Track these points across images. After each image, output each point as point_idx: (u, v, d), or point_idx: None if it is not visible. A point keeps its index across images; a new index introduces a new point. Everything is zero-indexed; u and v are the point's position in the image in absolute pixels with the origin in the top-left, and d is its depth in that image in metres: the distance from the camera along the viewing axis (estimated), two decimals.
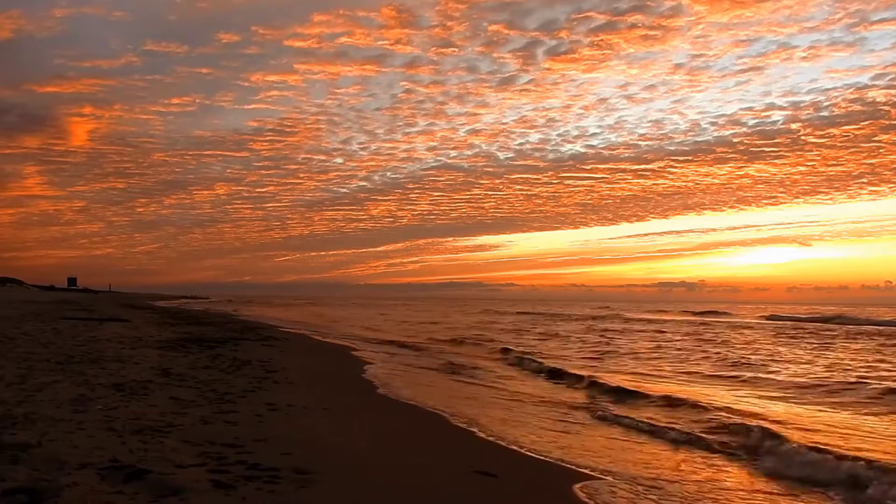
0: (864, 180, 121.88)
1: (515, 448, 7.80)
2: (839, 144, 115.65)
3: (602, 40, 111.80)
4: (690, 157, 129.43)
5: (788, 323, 48.66)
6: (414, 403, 10.55)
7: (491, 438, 8.26)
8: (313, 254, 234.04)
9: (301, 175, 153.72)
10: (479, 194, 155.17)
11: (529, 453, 7.59)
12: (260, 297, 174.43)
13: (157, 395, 8.60)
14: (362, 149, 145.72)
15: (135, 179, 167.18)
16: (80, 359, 11.96)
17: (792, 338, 31.29)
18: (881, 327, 41.20)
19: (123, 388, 8.92)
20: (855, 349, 24.66)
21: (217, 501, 4.51)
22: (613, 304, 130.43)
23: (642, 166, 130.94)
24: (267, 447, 6.12)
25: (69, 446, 5.57)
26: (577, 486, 6.28)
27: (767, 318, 56.54)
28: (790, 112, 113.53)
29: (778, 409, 11.32)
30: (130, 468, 5.00)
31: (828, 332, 35.32)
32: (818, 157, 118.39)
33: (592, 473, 6.80)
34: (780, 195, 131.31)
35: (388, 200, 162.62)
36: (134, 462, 5.20)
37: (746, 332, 36.22)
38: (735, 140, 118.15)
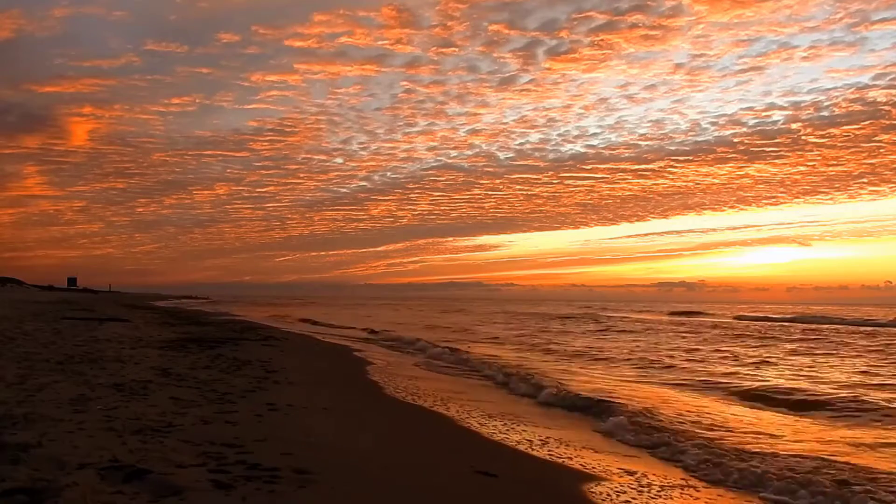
0: (865, 180, 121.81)
1: (514, 447, 7.82)
2: (840, 144, 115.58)
3: (602, 40, 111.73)
4: (691, 157, 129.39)
5: (754, 323, 49.08)
6: (416, 403, 10.55)
7: (495, 438, 8.27)
8: (313, 254, 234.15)
9: (301, 175, 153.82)
10: (480, 194, 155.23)
11: (529, 451, 7.60)
12: (255, 297, 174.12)
13: (157, 395, 8.60)
14: (362, 149, 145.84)
15: (135, 179, 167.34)
16: (80, 359, 11.96)
17: (733, 336, 31.86)
18: (843, 326, 42.09)
19: (123, 388, 8.92)
20: (788, 348, 24.91)
21: (217, 501, 4.51)
22: (605, 303, 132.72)
23: (642, 166, 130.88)
24: (267, 447, 6.11)
25: (69, 446, 5.56)
26: (580, 485, 6.28)
27: (735, 318, 57.17)
28: (791, 112, 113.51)
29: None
30: (130, 468, 4.99)
31: (772, 331, 35.99)
32: (819, 157, 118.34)
33: (593, 472, 6.80)
34: (780, 195, 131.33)
35: (389, 200, 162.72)
36: (134, 462, 5.20)
37: (688, 330, 37.14)
38: (735, 140, 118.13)
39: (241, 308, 63.90)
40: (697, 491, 6.55)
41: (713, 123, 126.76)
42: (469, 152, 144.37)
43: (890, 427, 9.93)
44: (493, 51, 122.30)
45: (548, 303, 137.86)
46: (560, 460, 7.34)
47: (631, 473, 6.92)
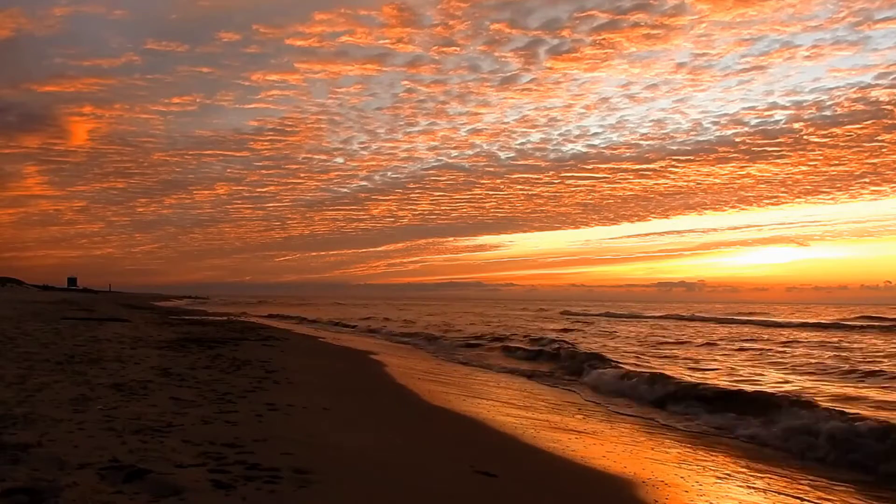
0: (867, 180, 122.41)
1: (517, 441, 7.83)
2: (842, 144, 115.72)
3: (604, 39, 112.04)
4: (692, 157, 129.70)
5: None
6: (418, 400, 10.55)
7: (496, 431, 8.26)
8: (314, 254, 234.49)
9: (302, 175, 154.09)
10: (480, 194, 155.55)
11: (530, 444, 7.61)
12: (253, 297, 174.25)
13: (157, 395, 8.60)
14: (363, 148, 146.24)
15: (135, 179, 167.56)
16: (80, 359, 11.95)
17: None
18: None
19: (123, 388, 8.92)
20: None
21: (217, 501, 4.51)
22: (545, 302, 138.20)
23: (644, 166, 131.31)
24: (267, 447, 6.11)
25: (69, 446, 5.56)
26: (579, 484, 6.28)
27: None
28: (793, 111, 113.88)
29: None
30: (130, 468, 5.00)
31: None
32: (820, 157, 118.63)
33: (594, 468, 6.80)
34: (781, 195, 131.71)
35: (389, 200, 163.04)
36: (134, 462, 5.20)
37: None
38: (737, 140, 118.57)
39: (239, 309, 64.19)
40: None
41: (715, 123, 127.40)
42: (470, 152, 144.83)
43: None
44: (495, 50, 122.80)
45: (536, 302, 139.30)
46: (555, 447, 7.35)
47: None
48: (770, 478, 7.29)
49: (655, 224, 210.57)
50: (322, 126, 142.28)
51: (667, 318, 53.34)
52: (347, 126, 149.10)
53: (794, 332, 33.91)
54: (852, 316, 53.11)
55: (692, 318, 51.44)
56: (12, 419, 6.47)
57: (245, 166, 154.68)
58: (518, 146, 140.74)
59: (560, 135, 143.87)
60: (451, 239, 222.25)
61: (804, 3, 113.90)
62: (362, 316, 48.10)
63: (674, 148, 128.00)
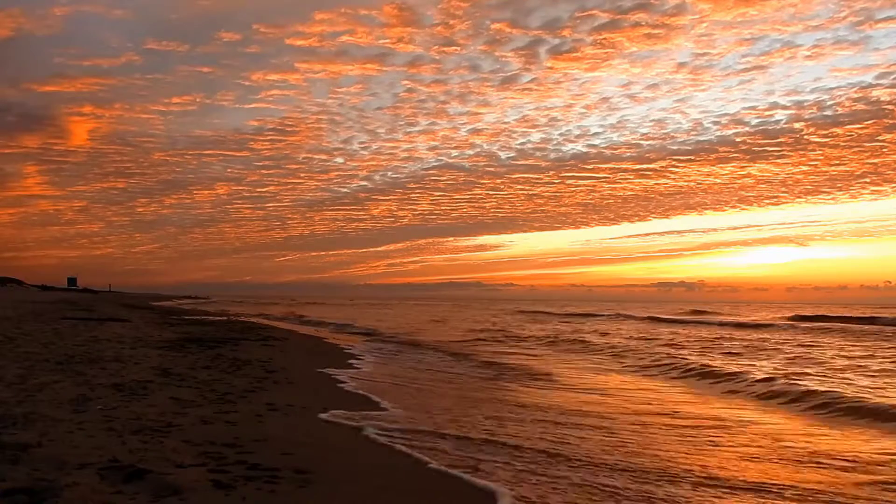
0: (867, 180, 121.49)
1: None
2: (842, 144, 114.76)
3: (605, 39, 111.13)
4: (693, 157, 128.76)
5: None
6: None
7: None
8: (314, 254, 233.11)
9: (302, 175, 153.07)
10: (481, 194, 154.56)
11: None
12: (252, 297, 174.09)
13: (157, 395, 8.60)
14: (363, 148, 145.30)
15: (135, 179, 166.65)
16: (80, 359, 11.96)
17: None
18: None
19: (123, 388, 8.93)
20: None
21: (217, 501, 4.51)
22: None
23: (644, 166, 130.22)
24: (267, 447, 6.12)
25: (69, 446, 5.57)
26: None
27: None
28: (793, 111, 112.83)
29: None
30: (130, 468, 5.00)
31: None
32: (821, 157, 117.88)
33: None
34: (781, 195, 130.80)
35: (389, 200, 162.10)
36: (134, 462, 5.20)
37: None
38: (738, 139, 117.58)
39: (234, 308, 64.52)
40: None
41: (715, 123, 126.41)
42: (470, 152, 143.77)
43: None
44: (495, 50, 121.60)
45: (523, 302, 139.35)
46: None
47: None
48: None
49: (655, 224, 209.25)
50: (322, 126, 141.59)
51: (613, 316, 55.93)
52: (347, 126, 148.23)
53: (696, 329, 36.18)
54: (789, 314, 55.40)
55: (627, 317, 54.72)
56: (12, 419, 6.47)
57: (245, 166, 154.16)
58: (518, 146, 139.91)
59: (560, 135, 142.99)
60: (451, 239, 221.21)
61: (805, 2, 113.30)
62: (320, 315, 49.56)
63: (674, 148, 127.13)
